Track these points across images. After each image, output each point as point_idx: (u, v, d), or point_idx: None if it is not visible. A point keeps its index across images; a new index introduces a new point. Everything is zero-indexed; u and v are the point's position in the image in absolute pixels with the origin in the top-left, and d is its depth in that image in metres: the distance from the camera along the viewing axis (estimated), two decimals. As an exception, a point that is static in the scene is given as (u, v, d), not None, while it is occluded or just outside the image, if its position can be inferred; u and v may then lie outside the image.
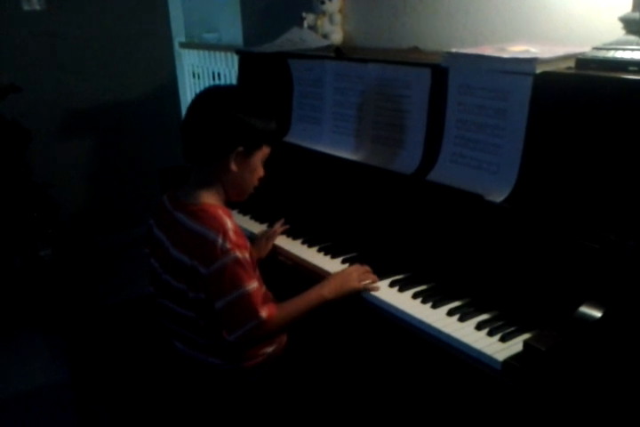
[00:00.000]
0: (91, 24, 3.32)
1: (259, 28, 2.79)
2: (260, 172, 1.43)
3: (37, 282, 2.93)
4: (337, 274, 1.45)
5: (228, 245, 1.27)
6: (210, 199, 1.36)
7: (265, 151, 1.42)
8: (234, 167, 1.36)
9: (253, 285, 1.29)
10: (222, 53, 3.47)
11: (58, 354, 2.55)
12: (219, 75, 3.56)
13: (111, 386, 1.53)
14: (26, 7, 3.11)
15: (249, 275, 1.29)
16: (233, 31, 3.32)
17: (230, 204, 1.44)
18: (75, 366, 1.76)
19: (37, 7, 3.13)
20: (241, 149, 1.35)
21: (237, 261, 1.27)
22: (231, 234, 1.28)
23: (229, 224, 1.30)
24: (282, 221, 1.80)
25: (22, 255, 2.92)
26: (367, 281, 1.43)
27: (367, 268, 1.46)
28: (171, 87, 3.71)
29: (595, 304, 1.08)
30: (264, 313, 1.28)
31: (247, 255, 1.31)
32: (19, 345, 2.65)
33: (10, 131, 2.80)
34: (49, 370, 2.45)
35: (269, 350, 1.46)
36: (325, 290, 1.39)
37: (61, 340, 1.91)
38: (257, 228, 1.86)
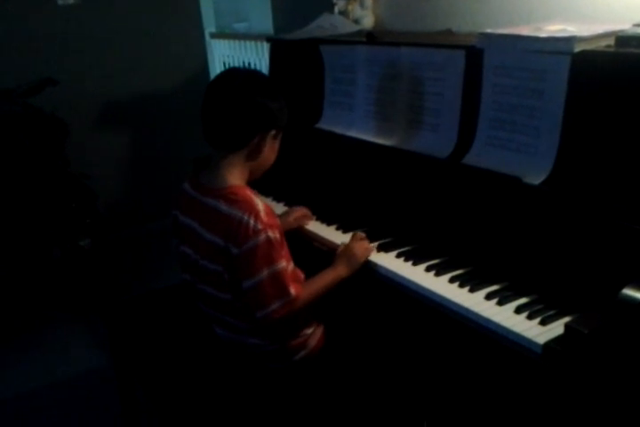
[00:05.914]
0: (124, 17, 3.36)
1: (289, 15, 2.78)
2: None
3: (77, 271, 3.00)
4: (343, 254, 1.51)
5: (260, 226, 1.30)
6: (236, 181, 1.39)
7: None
8: (266, 150, 1.40)
9: (283, 264, 1.34)
10: (253, 43, 3.47)
11: (99, 341, 2.61)
12: (249, 64, 3.56)
13: (152, 371, 1.56)
14: (60, 2, 3.16)
15: (279, 254, 1.33)
16: (263, 20, 3.32)
17: (264, 191, 1.45)
18: (116, 352, 1.80)
19: (71, 1, 3.18)
20: (274, 132, 1.40)
21: (269, 240, 1.31)
22: (262, 215, 1.31)
23: (260, 205, 1.34)
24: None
25: (62, 245, 2.99)
26: (369, 253, 1.50)
27: (364, 238, 1.54)
28: (202, 78, 3.72)
29: (638, 286, 1.06)
30: (293, 291, 1.34)
31: (278, 235, 1.34)
32: (61, 333, 2.72)
33: (48, 124, 2.86)
34: (91, 357, 2.51)
35: (309, 331, 1.49)
36: (339, 269, 1.47)
37: (103, 327, 1.95)
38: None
